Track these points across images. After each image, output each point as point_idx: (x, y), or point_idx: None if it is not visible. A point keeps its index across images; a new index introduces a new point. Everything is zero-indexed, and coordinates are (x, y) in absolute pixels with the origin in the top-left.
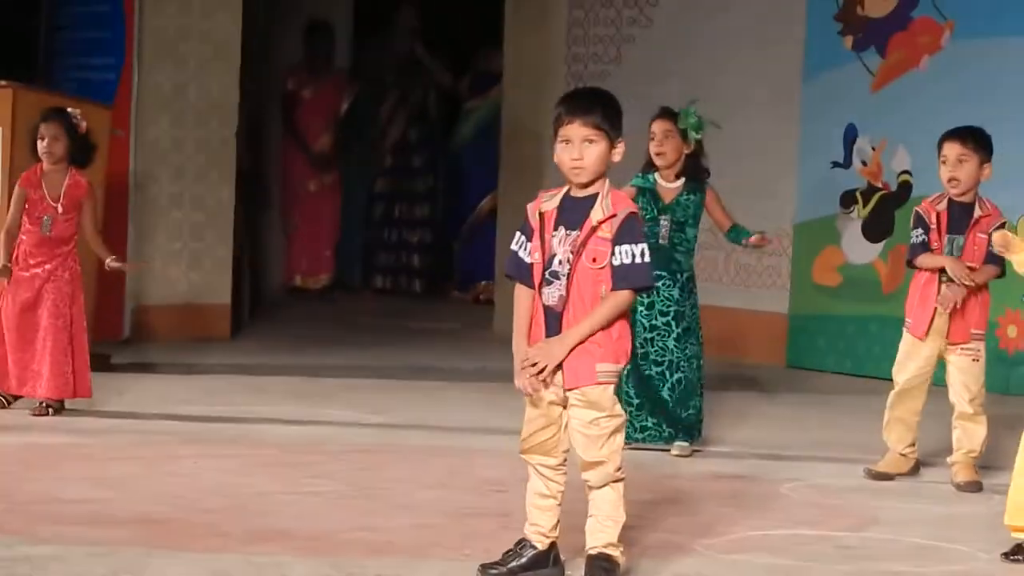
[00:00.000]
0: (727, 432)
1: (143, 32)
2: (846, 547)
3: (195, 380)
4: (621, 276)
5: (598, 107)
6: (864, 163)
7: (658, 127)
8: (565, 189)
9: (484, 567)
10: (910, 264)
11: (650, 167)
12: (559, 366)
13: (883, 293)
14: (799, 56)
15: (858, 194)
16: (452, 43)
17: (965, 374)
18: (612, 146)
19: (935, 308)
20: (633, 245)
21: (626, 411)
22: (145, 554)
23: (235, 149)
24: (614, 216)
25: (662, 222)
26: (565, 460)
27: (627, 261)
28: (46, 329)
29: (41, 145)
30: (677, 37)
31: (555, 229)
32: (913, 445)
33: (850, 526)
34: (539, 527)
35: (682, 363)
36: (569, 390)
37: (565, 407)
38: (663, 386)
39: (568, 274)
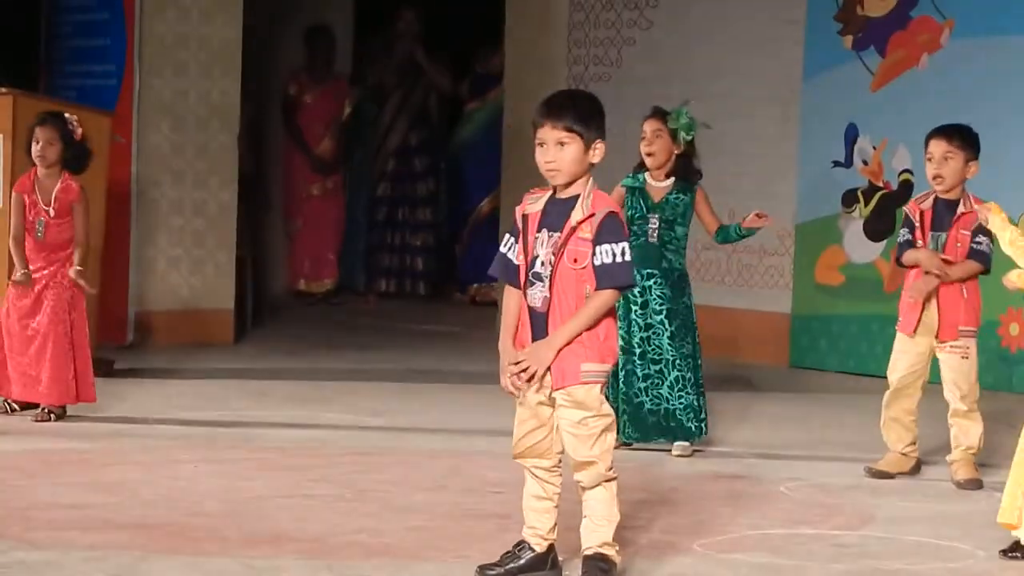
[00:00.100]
0: (728, 432)
1: (143, 38)
2: (844, 546)
3: (197, 385)
4: (603, 275)
5: (569, 110)
6: (865, 162)
7: (649, 127)
8: (551, 192)
9: (482, 568)
10: (898, 263)
11: (642, 167)
12: (547, 368)
13: (885, 292)
14: (799, 56)
15: (859, 193)
16: (452, 46)
17: (954, 372)
18: (588, 147)
19: (923, 304)
20: (613, 244)
21: (626, 410)
22: (141, 558)
23: (236, 154)
24: (592, 216)
25: (651, 221)
26: (560, 462)
27: (607, 260)
28: (45, 335)
29: (35, 149)
30: (677, 39)
31: (538, 231)
32: (914, 444)
33: (849, 525)
34: (537, 529)
35: (678, 361)
36: (556, 390)
37: (554, 407)
38: (662, 384)
39: (550, 275)
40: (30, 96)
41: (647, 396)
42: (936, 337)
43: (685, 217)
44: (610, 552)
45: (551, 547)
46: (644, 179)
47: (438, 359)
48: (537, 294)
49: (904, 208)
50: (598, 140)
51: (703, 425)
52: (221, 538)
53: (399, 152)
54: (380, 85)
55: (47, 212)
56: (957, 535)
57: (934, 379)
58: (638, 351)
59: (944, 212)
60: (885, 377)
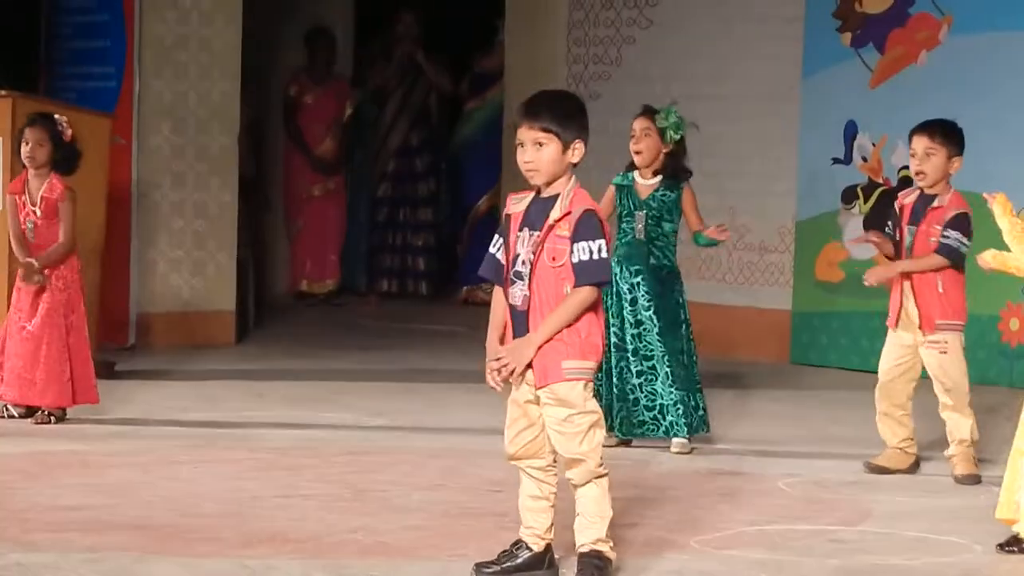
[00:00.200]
0: (728, 429)
1: (143, 40)
2: (841, 541)
3: (197, 386)
4: (580, 273)
5: (547, 110)
6: (864, 159)
7: (638, 125)
8: (535, 192)
9: (478, 566)
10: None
11: (633, 165)
12: (529, 365)
13: (886, 288)
14: (798, 53)
15: (859, 190)
16: (451, 48)
17: (935, 366)
18: (567, 148)
19: (901, 298)
20: (590, 242)
21: (622, 407)
22: (138, 560)
23: (237, 156)
24: (569, 214)
25: (638, 217)
26: (554, 461)
27: (584, 258)
28: (39, 338)
29: (24, 150)
30: (677, 37)
31: (520, 230)
32: (910, 439)
33: (846, 520)
34: (534, 529)
35: (667, 357)
36: (539, 388)
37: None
38: (655, 380)
39: (530, 274)
40: (29, 98)
41: (642, 392)
42: (919, 331)
43: (672, 214)
44: (604, 548)
45: (548, 547)
46: (633, 177)
47: (439, 359)
48: (518, 293)
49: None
50: (577, 140)
51: (702, 421)
52: (218, 539)
53: (400, 152)
54: (380, 87)
55: (35, 213)
56: (954, 530)
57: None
58: (631, 348)
59: (922, 207)
60: None
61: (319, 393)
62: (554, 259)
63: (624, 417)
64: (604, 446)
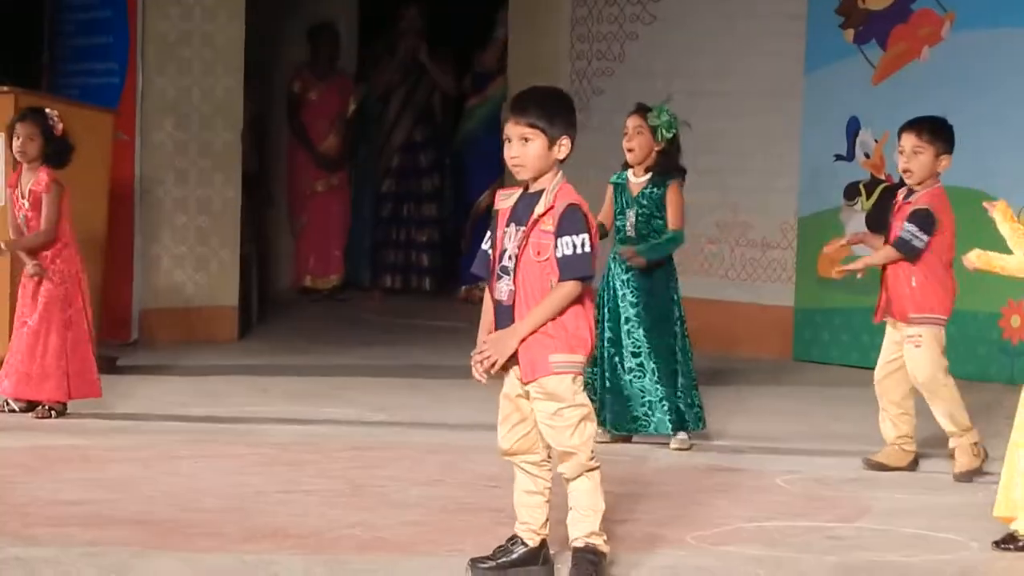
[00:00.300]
0: (728, 425)
1: (146, 36)
2: (839, 538)
3: (199, 382)
4: (564, 267)
5: (533, 106)
6: (867, 155)
7: (630, 123)
8: (524, 188)
9: (473, 561)
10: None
11: (627, 163)
12: (514, 358)
13: None
14: (801, 50)
15: (861, 186)
16: (455, 42)
17: (909, 360)
18: (553, 143)
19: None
20: (574, 236)
21: (615, 403)
22: (138, 554)
23: (240, 152)
24: (553, 208)
25: (628, 214)
26: (549, 456)
27: (568, 252)
28: (36, 332)
29: (16, 144)
30: (680, 33)
31: (507, 225)
32: (908, 437)
33: (845, 517)
34: (529, 524)
35: (653, 354)
36: (528, 383)
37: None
38: (644, 377)
39: (515, 268)
40: (32, 94)
41: (633, 388)
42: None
43: (662, 211)
44: (598, 542)
45: (543, 542)
46: (626, 175)
47: (442, 355)
48: (504, 287)
49: None
50: (564, 137)
51: (697, 418)
52: (219, 533)
53: (404, 148)
54: (384, 83)
55: (24, 206)
56: (952, 527)
57: None
58: (623, 344)
59: (905, 203)
60: None
61: (321, 388)
62: (539, 253)
63: (617, 412)
64: (601, 442)
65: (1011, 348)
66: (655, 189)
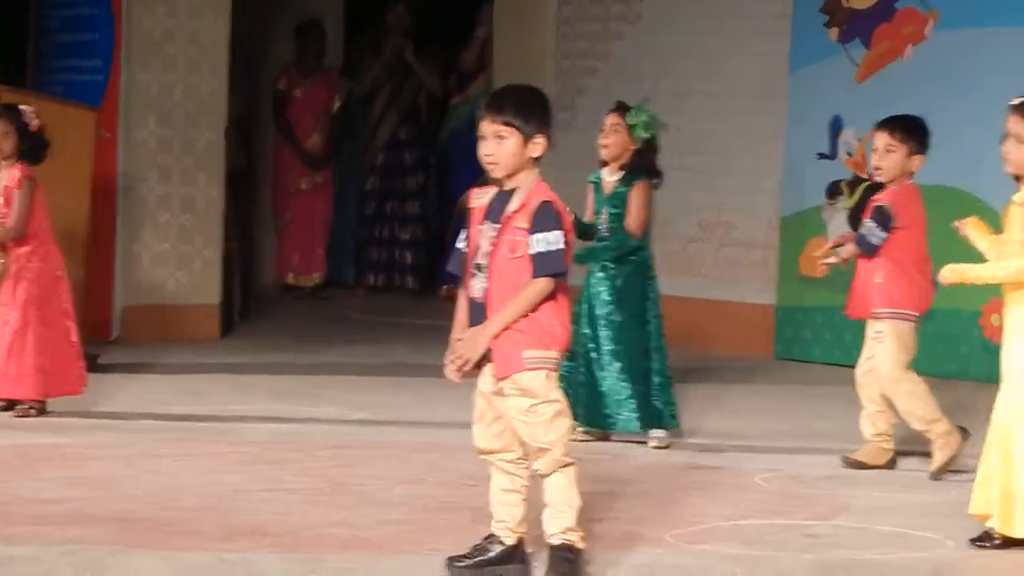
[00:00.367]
0: (709, 423)
1: (131, 34)
2: (816, 536)
3: (181, 380)
4: (537, 264)
5: (508, 104)
6: (850, 154)
7: (608, 120)
8: (498, 186)
9: (451, 559)
10: None
11: (604, 162)
12: (487, 356)
13: None
14: (785, 49)
15: (844, 185)
16: (443, 39)
17: (873, 357)
18: (527, 141)
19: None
20: (547, 232)
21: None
22: (117, 552)
23: (224, 150)
24: (526, 205)
25: (602, 213)
26: (525, 454)
27: (541, 249)
28: (16, 331)
29: None
30: (665, 33)
31: (482, 223)
32: (885, 435)
33: (822, 515)
34: (506, 523)
35: (623, 352)
36: (501, 380)
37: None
38: (612, 375)
39: (488, 266)
40: (16, 91)
41: (605, 385)
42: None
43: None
44: (574, 538)
45: (520, 540)
46: (600, 174)
47: (425, 353)
48: (478, 285)
49: None
50: (539, 135)
51: (671, 417)
52: (198, 532)
53: (389, 146)
54: (370, 84)
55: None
56: (929, 525)
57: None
58: (598, 341)
59: None
60: None
61: (304, 387)
62: (512, 251)
63: (590, 408)
64: (580, 441)
65: (992, 346)
66: (625, 188)
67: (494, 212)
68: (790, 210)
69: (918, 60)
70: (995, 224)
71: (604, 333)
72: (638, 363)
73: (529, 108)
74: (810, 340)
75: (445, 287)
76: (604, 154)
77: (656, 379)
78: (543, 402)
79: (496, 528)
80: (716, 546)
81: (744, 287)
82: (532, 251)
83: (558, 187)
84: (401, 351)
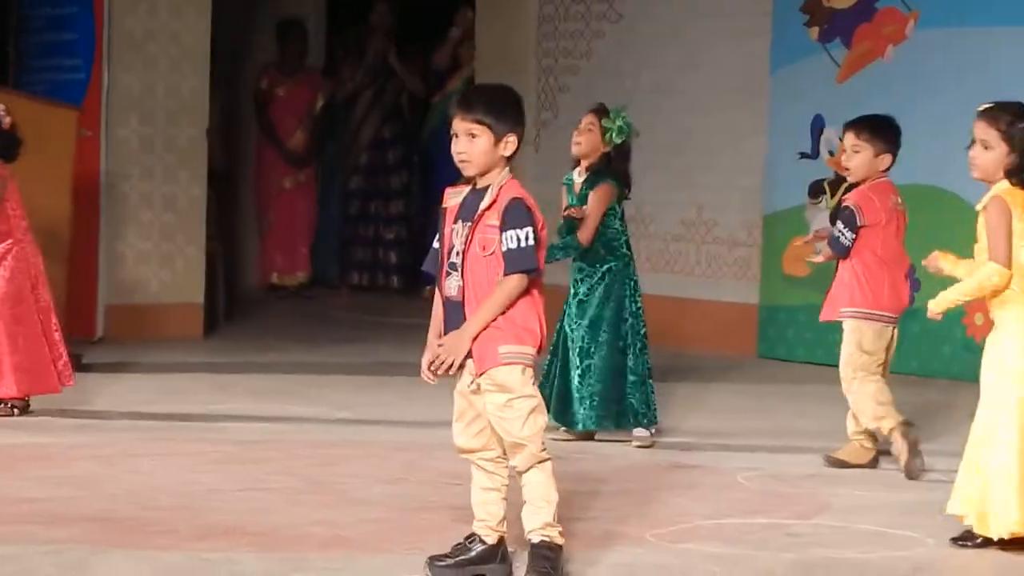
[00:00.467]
0: (691, 422)
1: (112, 33)
2: (796, 535)
3: (164, 379)
4: (509, 261)
5: (480, 102)
6: (831, 153)
7: (585, 119)
8: (471, 185)
9: (432, 559)
10: None
11: (577, 162)
12: (467, 355)
13: None
14: (766, 48)
15: (826, 184)
16: (425, 37)
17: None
18: (499, 140)
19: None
20: (518, 230)
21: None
22: (95, 552)
23: (206, 148)
24: (496, 202)
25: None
26: (504, 452)
27: (512, 246)
28: None
29: None
30: (646, 31)
31: (455, 222)
32: (865, 433)
33: (803, 514)
34: (486, 521)
35: (590, 350)
36: (478, 376)
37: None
38: (577, 369)
39: (462, 264)
40: None
41: (580, 383)
42: None
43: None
44: (553, 534)
45: (501, 539)
46: (572, 175)
47: (409, 352)
48: (453, 283)
49: None
50: (511, 134)
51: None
52: (178, 531)
53: (372, 146)
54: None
55: None
56: (910, 523)
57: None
58: (572, 340)
59: None
60: None
61: (287, 386)
62: (484, 248)
63: (557, 403)
64: (563, 440)
65: (975, 345)
66: (587, 189)
67: (467, 211)
68: (772, 209)
69: (899, 59)
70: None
71: (577, 330)
72: (612, 361)
73: (501, 107)
74: (793, 339)
75: (428, 287)
76: (574, 150)
77: (631, 377)
78: (519, 397)
79: (477, 527)
80: (697, 545)
81: (727, 286)
82: (503, 248)
83: (540, 184)
84: (384, 350)
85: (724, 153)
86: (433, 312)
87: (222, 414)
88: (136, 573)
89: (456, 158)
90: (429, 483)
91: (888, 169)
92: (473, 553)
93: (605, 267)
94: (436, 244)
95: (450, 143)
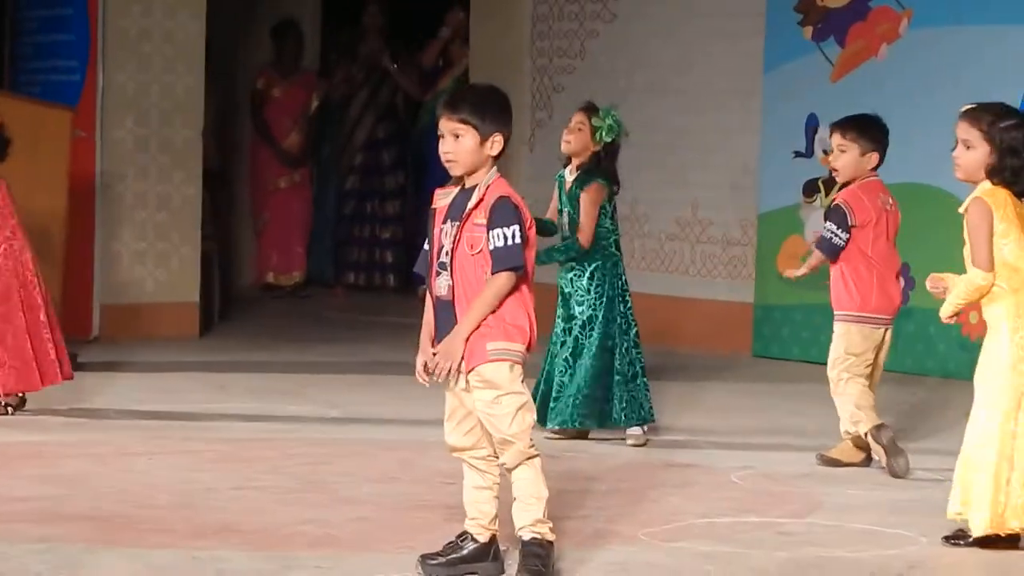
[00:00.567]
0: (686, 421)
1: (107, 33)
2: (789, 534)
3: (158, 378)
4: (496, 259)
5: (466, 102)
6: (825, 152)
7: (574, 118)
8: (460, 185)
9: (423, 558)
10: None
11: (569, 160)
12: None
13: None
14: (760, 48)
15: (820, 183)
16: (417, 38)
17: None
18: (485, 139)
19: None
20: (504, 228)
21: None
22: (88, 551)
23: (200, 148)
24: (483, 201)
25: (563, 212)
26: (496, 452)
27: (499, 244)
28: None
29: None
30: (640, 31)
31: (444, 223)
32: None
33: (796, 513)
34: (478, 520)
35: (585, 350)
36: (468, 372)
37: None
38: (577, 373)
39: (450, 263)
40: None
41: (570, 382)
42: None
43: None
44: (543, 530)
45: (493, 538)
46: (563, 173)
47: (404, 352)
48: (443, 283)
49: None
50: (496, 134)
51: (648, 413)
52: (169, 530)
53: (367, 146)
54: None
55: None
56: (902, 523)
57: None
58: (562, 340)
59: None
60: None
61: (281, 385)
62: (472, 247)
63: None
64: (557, 439)
65: (970, 344)
66: (577, 189)
67: (455, 210)
68: (767, 208)
69: (893, 58)
70: None
71: (576, 331)
72: (600, 360)
73: (486, 107)
74: (788, 338)
75: (423, 287)
76: (565, 149)
77: (616, 377)
78: (507, 394)
79: (469, 526)
80: (690, 544)
81: (721, 285)
82: (491, 246)
83: (535, 184)
84: (379, 350)
85: (718, 152)
86: (425, 314)
87: (216, 413)
88: (127, 571)
89: (443, 158)
90: (422, 482)
91: (876, 168)
92: (465, 552)
93: (593, 266)
94: (427, 246)
95: (439, 143)
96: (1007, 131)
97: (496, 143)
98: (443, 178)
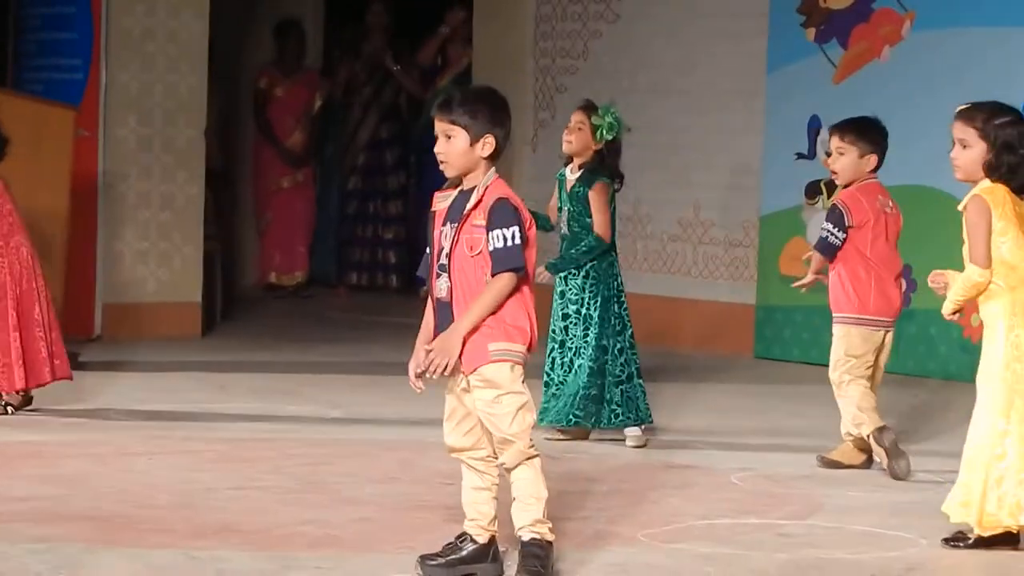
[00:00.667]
0: (686, 422)
1: (110, 32)
2: (789, 535)
3: (160, 378)
4: (496, 260)
5: (457, 104)
6: (828, 154)
7: (574, 117)
8: (459, 187)
9: (423, 558)
10: None
11: (569, 159)
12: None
13: None
14: (763, 49)
15: (822, 185)
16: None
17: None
18: (476, 140)
19: None
20: (504, 229)
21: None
22: (87, 550)
23: (203, 148)
24: (482, 202)
25: (563, 211)
26: (495, 451)
27: (499, 245)
28: None
29: None
30: (643, 31)
31: (444, 225)
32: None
33: (796, 514)
34: (477, 520)
35: (583, 350)
36: (468, 374)
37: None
38: (577, 373)
39: (449, 265)
40: None
41: (567, 382)
42: None
43: (588, 209)
44: (543, 530)
45: (492, 539)
46: (564, 172)
47: (407, 352)
48: (443, 285)
49: None
50: (488, 135)
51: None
52: (169, 530)
53: (370, 146)
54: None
55: None
56: (903, 525)
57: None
58: (559, 339)
59: None
60: None
61: (283, 385)
62: (471, 248)
63: (560, 406)
64: (557, 440)
65: (971, 346)
66: (582, 188)
67: (454, 212)
68: (769, 209)
69: (895, 60)
70: None
71: (573, 330)
72: (596, 360)
73: (477, 107)
74: (789, 339)
75: (424, 288)
76: (566, 148)
77: (608, 378)
78: (507, 393)
79: (468, 526)
80: (690, 545)
81: (723, 286)
82: (490, 247)
83: (538, 184)
84: (382, 350)
85: (721, 153)
86: (424, 318)
87: (217, 413)
88: (127, 572)
89: (438, 158)
90: (422, 482)
91: (875, 170)
92: (464, 552)
93: (589, 265)
94: (428, 249)
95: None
96: (1002, 128)
97: (488, 144)
98: (439, 177)
